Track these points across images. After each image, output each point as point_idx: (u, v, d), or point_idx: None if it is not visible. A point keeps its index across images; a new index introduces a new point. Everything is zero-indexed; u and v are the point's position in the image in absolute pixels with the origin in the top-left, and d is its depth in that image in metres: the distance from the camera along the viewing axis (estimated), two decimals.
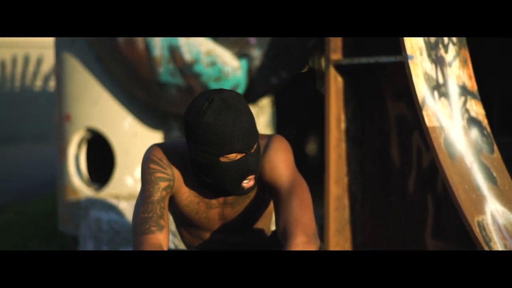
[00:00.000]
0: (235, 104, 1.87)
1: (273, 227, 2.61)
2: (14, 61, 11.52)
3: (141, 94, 3.66)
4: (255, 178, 1.97)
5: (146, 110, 3.82)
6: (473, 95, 2.67)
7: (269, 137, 2.07)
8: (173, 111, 3.64)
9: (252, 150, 1.92)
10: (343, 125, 3.16)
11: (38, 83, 11.74)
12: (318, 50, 4.39)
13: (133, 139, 3.84)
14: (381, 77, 3.16)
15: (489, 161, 2.60)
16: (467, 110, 2.63)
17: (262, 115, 3.84)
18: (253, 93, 3.54)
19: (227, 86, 3.45)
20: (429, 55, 2.61)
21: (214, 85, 3.45)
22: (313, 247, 1.92)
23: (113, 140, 3.84)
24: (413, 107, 2.63)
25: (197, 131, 1.88)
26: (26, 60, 11.57)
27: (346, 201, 3.19)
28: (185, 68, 3.43)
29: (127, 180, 3.84)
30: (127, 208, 3.60)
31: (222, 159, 1.90)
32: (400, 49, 2.65)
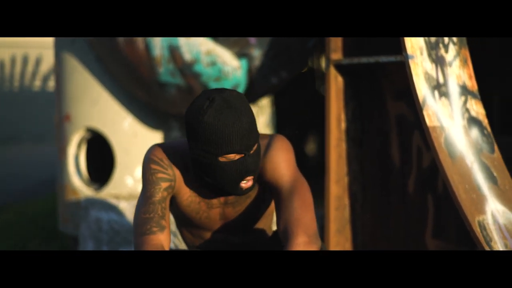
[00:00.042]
0: (236, 104, 1.87)
1: (274, 227, 2.61)
2: (13, 61, 11.52)
3: (141, 94, 3.66)
4: (254, 179, 1.97)
5: (146, 110, 3.82)
6: (473, 95, 2.67)
7: (270, 137, 2.06)
8: (173, 111, 3.64)
9: (252, 151, 1.92)
10: (343, 125, 3.16)
11: (37, 83, 11.74)
12: (318, 50, 4.39)
13: (133, 139, 3.83)
14: (381, 77, 3.16)
15: (489, 160, 2.60)
16: (467, 110, 2.63)
17: (262, 115, 3.84)
18: (253, 93, 3.54)
19: (227, 86, 3.45)
20: (430, 55, 2.61)
21: (214, 85, 3.45)
22: (314, 247, 1.92)
23: (113, 140, 3.84)
24: (413, 107, 2.63)
25: (197, 130, 1.88)
26: (25, 60, 11.57)
27: (346, 201, 3.19)
28: (185, 68, 3.43)
29: (127, 180, 3.84)
30: (127, 208, 3.60)
31: (221, 159, 1.90)
32: (400, 49, 2.65)
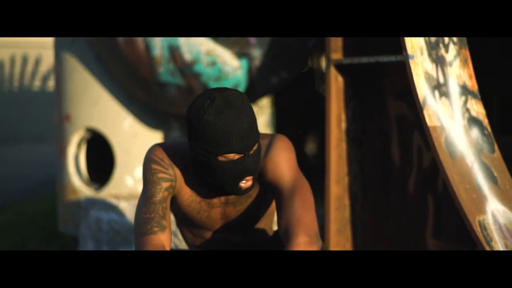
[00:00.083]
0: (237, 104, 1.87)
1: (275, 227, 2.61)
2: (12, 61, 11.52)
3: (141, 94, 3.66)
4: (254, 179, 1.97)
5: (146, 110, 3.82)
6: (473, 95, 2.67)
7: (271, 137, 2.06)
8: (173, 111, 3.64)
9: (251, 151, 1.92)
10: (343, 125, 3.16)
11: (37, 83, 11.74)
12: (318, 50, 4.38)
13: (133, 139, 3.83)
14: (382, 76, 3.15)
15: (489, 160, 2.60)
16: (467, 110, 2.63)
17: (262, 115, 3.84)
18: (253, 93, 3.54)
19: (227, 86, 3.44)
20: (430, 55, 2.61)
21: (214, 85, 3.45)
22: (315, 247, 1.91)
23: (113, 140, 3.84)
24: (414, 107, 2.63)
25: (197, 129, 1.88)
26: (25, 60, 11.57)
27: (346, 201, 3.18)
28: (185, 68, 3.43)
29: (127, 180, 3.84)
30: (127, 208, 3.60)
31: (221, 158, 1.90)
32: (400, 49, 2.64)
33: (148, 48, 3.45)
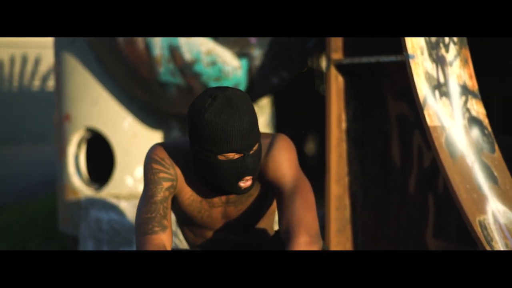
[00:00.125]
0: (238, 103, 1.87)
1: (275, 226, 2.61)
2: (12, 61, 11.52)
3: (141, 94, 3.66)
4: (253, 179, 1.96)
5: (146, 110, 3.82)
6: (474, 95, 2.67)
7: (273, 136, 2.06)
8: (173, 111, 3.64)
9: (251, 151, 1.91)
10: (344, 125, 3.16)
11: (36, 83, 11.74)
12: (318, 50, 4.38)
13: (133, 139, 3.83)
14: (382, 76, 3.15)
15: (490, 160, 2.60)
16: (468, 110, 2.63)
17: (262, 115, 3.84)
18: (253, 93, 3.54)
19: (227, 85, 3.44)
20: (430, 55, 2.61)
21: (214, 85, 3.45)
22: (315, 247, 1.91)
23: (113, 140, 3.84)
24: (414, 107, 2.62)
25: (198, 127, 1.88)
26: (24, 60, 11.57)
27: (347, 201, 3.18)
28: (185, 68, 3.43)
29: (127, 180, 3.84)
30: (128, 208, 3.60)
31: (220, 157, 1.90)
32: (400, 49, 2.64)
33: (148, 48, 3.45)
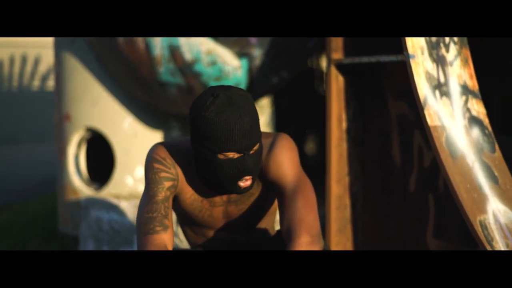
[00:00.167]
0: (240, 103, 1.86)
1: (277, 226, 2.60)
2: (11, 60, 11.52)
3: (141, 94, 3.66)
4: (253, 179, 1.96)
5: (146, 110, 3.82)
6: (474, 94, 2.67)
7: (275, 136, 2.06)
8: (173, 111, 3.64)
9: (252, 151, 1.91)
10: (344, 125, 3.16)
11: (36, 82, 11.74)
12: (318, 50, 4.38)
13: (133, 139, 3.83)
14: (382, 76, 3.15)
15: (490, 160, 2.59)
16: (468, 109, 2.63)
17: (262, 115, 3.84)
18: (253, 93, 3.54)
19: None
20: (431, 54, 2.61)
21: (214, 85, 3.44)
22: (317, 247, 1.91)
23: (113, 140, 3.84)
24: (414, 107, 2.62)
25: (199, 125, 1.88)
26: (24, 60, 11.57)
27: (347, 201, 3.18)
28: (185, 68, 3.43)
29: (127, 180, 3.83)
30: (128, 208, 3.59)
31: (220, 156, 1.90)
32: (400, 49, 2.64)
33: (148, 48, 3.45)
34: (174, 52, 3.41)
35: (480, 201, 2.47)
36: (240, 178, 1.93)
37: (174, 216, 2.71)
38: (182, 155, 2.03)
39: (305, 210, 1.96)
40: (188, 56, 3.41)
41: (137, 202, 3.56)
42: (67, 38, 3.94)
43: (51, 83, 11.44)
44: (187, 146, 2.02)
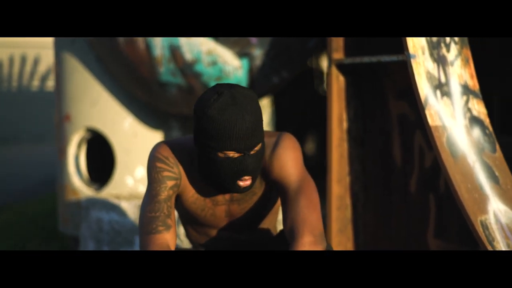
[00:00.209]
0: (243, 102, 1.86)
1: (279, 226, 2.60)
2: (11, 61, 11.52)
3: (141, 94, 3.66)
4: (253, 178, 1.96)
5: (146, 110, 3.82)
6: (475, 94, 2.67)
7: (278, 135, 2.06)
8: (174, 111, 3.63)
9: (252, 152, 1.91)
10: (345, 125, 3.16)
11: (36, 83, 11.74)
12: (318, 50, 4.38)
13: (133, 139, 3.83)
14: (383, 76, 3.15)
15: (491, 160, 2.59)
16: (469, 109, 2.63)
17: (262, 114, 3.83)
18: None
19: None
20: (431, 54, 2.60)
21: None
22: (319, 247, 1.91)
23: (113, 140, 3.84)
24: (415, 106, 2.62)
25: (201, 122, 1.87)
26: (23, 60, 11.57)
27: (348, 201, 3.18)
28: (185, 68, 3.43)
29: (127, 180, 3.83)
30: (128, 208, 3.59)
31: (220, 155, 1.89)
32: (401, 48, 2.64)
33: (148, 48, 3.44)
34: (175, 52, 3.41)
35: (481, 201, 2.47)
36: (239, 177, 1.93)
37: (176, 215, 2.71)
38: (185, 154, 2.03)
39: (308, 210, 1.96)
40: (188, 56, 3.40)
41: (137, 202, 3.56)
42: (67, 38, 3.93)
43: (50, 83, 11.44)
44: (191, 144, 2.02)
